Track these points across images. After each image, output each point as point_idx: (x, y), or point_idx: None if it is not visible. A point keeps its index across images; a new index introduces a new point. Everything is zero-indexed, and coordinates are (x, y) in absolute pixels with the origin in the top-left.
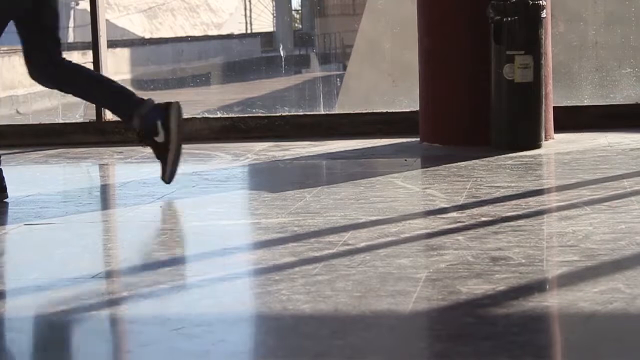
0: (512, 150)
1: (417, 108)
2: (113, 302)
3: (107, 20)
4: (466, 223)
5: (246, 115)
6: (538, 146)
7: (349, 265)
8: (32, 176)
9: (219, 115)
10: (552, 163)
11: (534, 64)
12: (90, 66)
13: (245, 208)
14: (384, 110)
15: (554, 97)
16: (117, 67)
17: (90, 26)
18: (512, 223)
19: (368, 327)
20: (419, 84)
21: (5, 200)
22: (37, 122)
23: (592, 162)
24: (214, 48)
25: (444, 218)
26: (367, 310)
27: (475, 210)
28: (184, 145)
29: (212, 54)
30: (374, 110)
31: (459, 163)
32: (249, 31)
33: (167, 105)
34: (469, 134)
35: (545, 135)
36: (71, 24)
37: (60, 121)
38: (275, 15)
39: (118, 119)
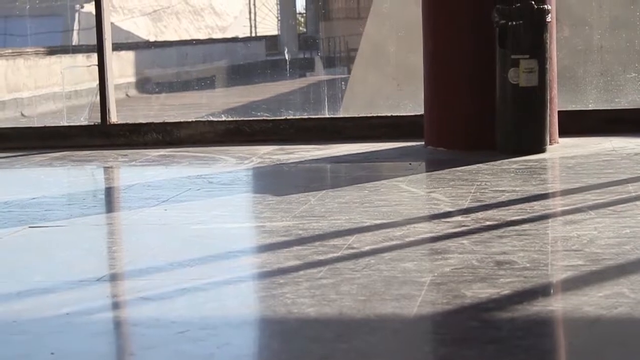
0: (517, 155)
1: (422, 112)
2: (117, 305)
3: (111, 23)
4: (471, 227)
5: (251, 118)
6: (543, 150)
7: (354, 268)
8: (36, 179)
9: (223, 118)
10: (557, 167)
11: (539, 68)
12: (95, 69)
13: (249, 211)
14: (389, 114)
15: (558, 101)
16: (121, 70)
17: (95, 29)
18: (516, 227)
19: (373, 330)
20: (423, 87)
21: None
22: (42, 125)
23: (597, 167)
24: (219, 51)
25: (448, 222)
26: (372, 313)
27: (480, 214)
28: (188, 149)
29: (216, 57)
30: (379, 114)
31: (463, 167)
32: (253, 34)
33: None
34: (473, 138)
35: (550, 140)
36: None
37: (65, 124)
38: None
39: (123, 121)
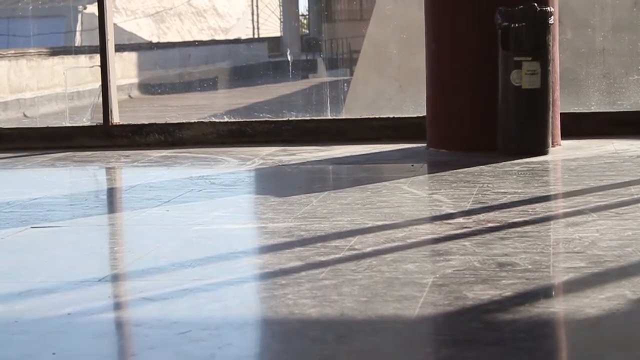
0: (519, 156)
1: (424, 113)
2: (119, 305)
3: (114, 24)
4: (472, 229)
5: (253, 119)
6: (545, 152)
7: (355, 270)
8: (39, 179)
9: (225, 119)
10: (559, 169)
11: (541, 70)
12: (98, 70)
13: (251, 212)
14: (391, 116)
15: (561, 103)
16: (124, 71)
17: (97, 30)
18: (518, 229)
19: (374, 331)
20: (425, 89)
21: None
22: (44, 126)
23: (599, 169)
24: (221, 53)
25: (450, 223)
26: (373, 315)
27: (482, 216)
28: (190, 150)
29: (219, 58)
30: (381, 116)
31: (465, 169)
32: (256, 36)
33: None
34: (475, 139)
35: (552, 142)
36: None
37: (68, 124)
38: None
39: (126, 122)
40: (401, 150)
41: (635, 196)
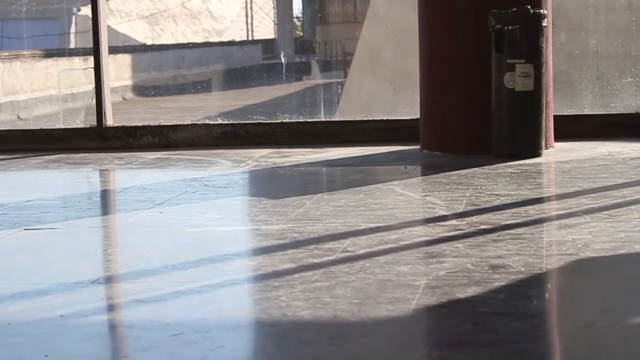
0: (512, 159)
1: (418, 116)
2: (112, 307)
3: (108, 26)
4: (466, 231)
5: (247, 121)
6: (538, 155)
7: (348, 272)
8: (32, 181)
9: (219, 121)
10: (552, 171)
11: (535, 72)
12: (92, 72)
13: (245, 214)
14: (385, 118)
15: (554, 105)
16: (118, 73)
17: (91, 32)
18: (511, 231)
19: (367, 333)
20: (419, 92)
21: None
22: (38, 128)
23: (592, 171)
24: (215, 55)
25: (443, 226)
26: (366, 316)
27: (475, 218)
28: (184, 152)
29: (213, 60)
30: (375, 118)
31: (459, 171)
32: (250, 38)
33: None
34: (469, 142)
35: (545, 144)
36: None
37: (61, 126)
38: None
39: (119, 124)
40: (395, 152)
41: (628, 198)
